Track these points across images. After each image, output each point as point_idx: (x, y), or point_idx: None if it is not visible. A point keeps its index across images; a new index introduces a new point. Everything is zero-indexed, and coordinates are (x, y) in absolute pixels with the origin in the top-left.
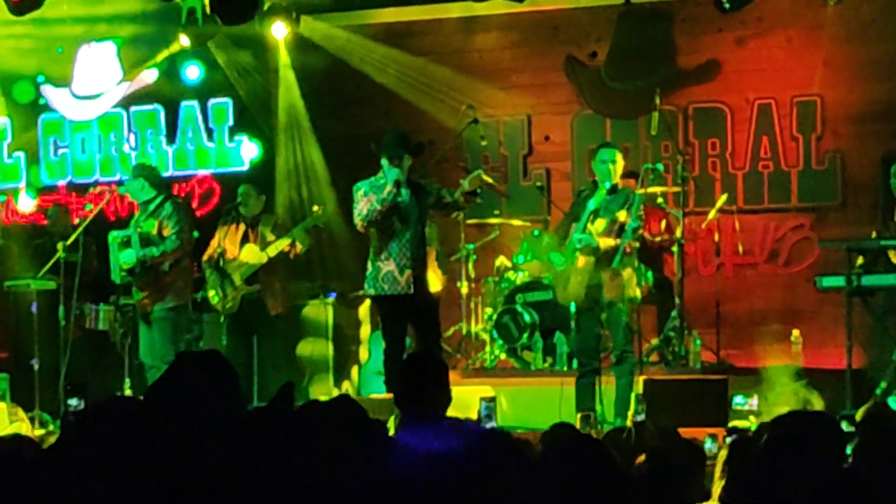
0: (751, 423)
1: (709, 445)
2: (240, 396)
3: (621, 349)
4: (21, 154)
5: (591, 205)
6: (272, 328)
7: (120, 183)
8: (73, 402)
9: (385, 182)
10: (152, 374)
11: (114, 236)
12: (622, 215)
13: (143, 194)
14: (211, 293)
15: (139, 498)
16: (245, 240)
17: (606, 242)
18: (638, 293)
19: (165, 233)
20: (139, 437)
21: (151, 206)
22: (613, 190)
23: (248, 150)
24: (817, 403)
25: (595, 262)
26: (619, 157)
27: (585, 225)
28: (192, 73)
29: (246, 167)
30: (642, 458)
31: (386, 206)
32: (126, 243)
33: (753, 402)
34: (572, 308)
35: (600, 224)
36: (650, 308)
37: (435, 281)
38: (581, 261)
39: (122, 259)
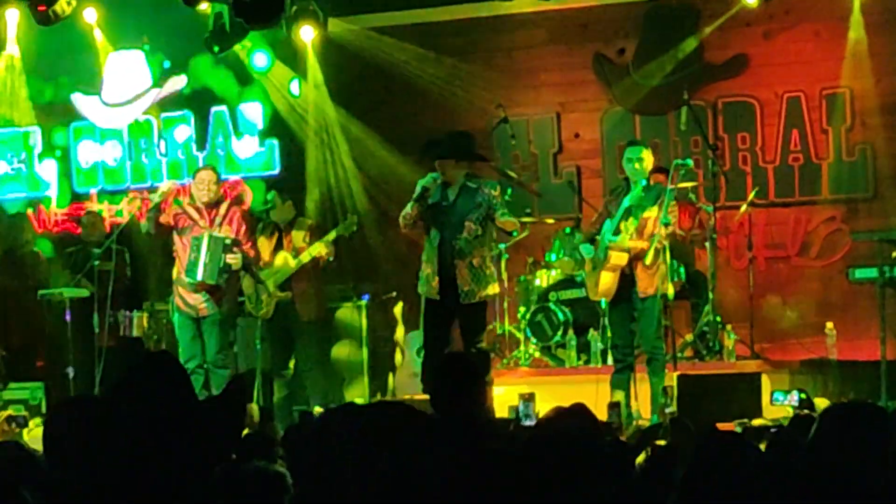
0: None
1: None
2: (192, 393)
3: (651, 345)
4: (53, 162)
5: (626, 202)
6: (307, 333)
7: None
8: None
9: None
10: (194, 378)
11: (215, 237)
12: (653, 212)
13: (219, 196)
14: (246, 299)
15: (112, 490)
16: (279, 246)
17: (637, 244)
18: (671, 289)
19: (241, 238)
20: (103, 432)
21: (223, 210)
22: (647, 188)
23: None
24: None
25: (627, 260)
26: (647, 154)
27: (618, 225)
28: (261, 60)
29: (277, 170)
30: (641, 457)
31: (415, 210)
32: (236, 245)
33: (793, 397)
34: (603, 304)
35: (631, 224)
36: (683, 303)
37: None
38: (613, 257)
39: (232, 260)
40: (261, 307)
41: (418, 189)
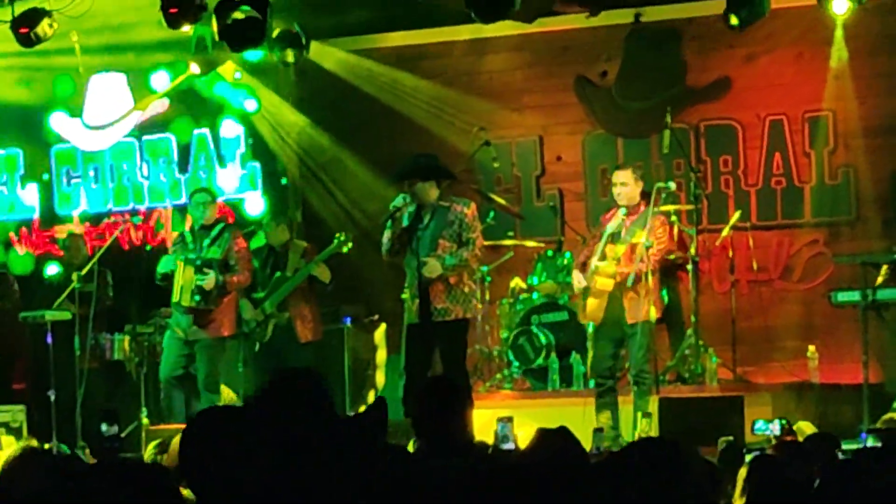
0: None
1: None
2: (333, 410)
3: (639, 368)
4: (34, 186)
5: (609, 228)
6: (304, 354)
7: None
8: (104, 427)
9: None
10: (167, 389)
11: (187, 259)
12: (640, 237)
13: (209, 219)
14: (244, 323)
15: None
16: (275, 268)
17: (624, 271)
18: (653, 312)
19: (230, 261)
20: (242, 444)
21: (214, 232)
22: (634, 212)
23: (255, 204)
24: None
25: (615, 285)
26: (629, 177)
27: (604, 249)
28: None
29: (258, 193)
30: None
31: (391, 234)
32: (208, 266)
33: (775, 427)
34: (590, 328)
35: (619, 249)
36: (665, 327)
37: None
38: (599, 282)
39: (203, 281)
40: (259, 330)
41: (388, 211)
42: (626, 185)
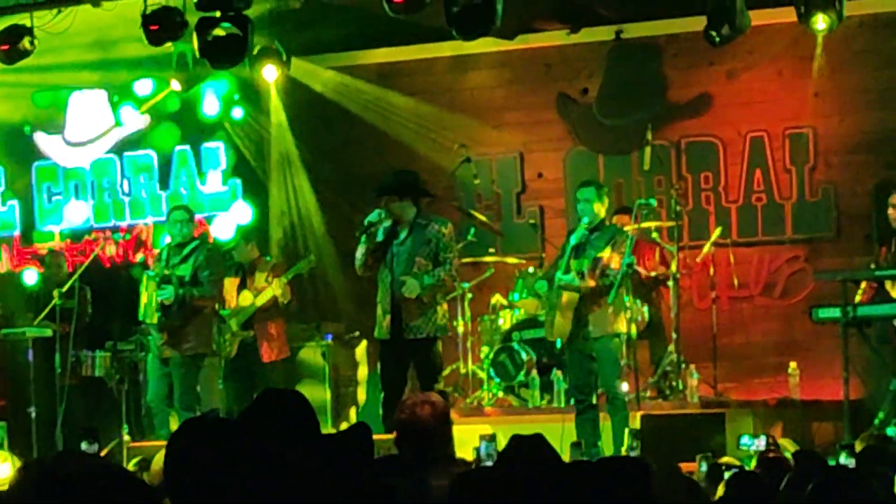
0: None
1: (703, 468)
2: (317, 429)
3: (607, 386)
4: (15, 202)
5: (573, 240)
6: (270, 373)
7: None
8: (84, 446)
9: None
10: (159, 418)
11: (149, 276)
12: (605, 253)
13: (185, 237)
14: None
15: None
16: (243, 286)
17: (587, 284)
18: (633, 329)
19: (200, 279)
20: (227, 457)
21: (186, 250)
22: (598, 227)
23: (243, 213)
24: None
25: (579, 300)
26: (594, 194)
27: (568, 263)
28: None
29: (239, 210)
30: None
31: (364, 249)
32: (166, 281)
33: (761, 442)
34: (558, 344)
35: (583, 263)
36: (646, 343)
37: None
38: (565, 297)
39: (162, 296)
40: (225, 347)
41: (363, 226)
42: (588, 201)
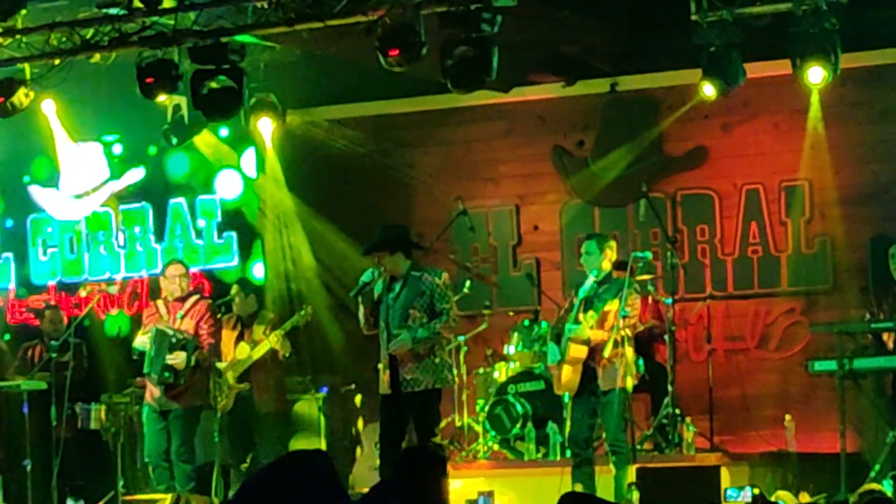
0: None
1: None
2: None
3: (614, 437)
4: (9, 255)
5: (581, 294)
6: (266, 425)
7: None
8: (70, 502)
9: None
10: (158, 473)
11: (159, 331)
12: (614, 305)
13: (183, 291)
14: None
15: None
16: (240, 338)
17: (597, 335)
18: (630, 381)
19: (201, 332)
20: None
21: (188, 304)
22: (606, 280)
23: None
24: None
25: (588, 353)
26: (595, 247)
27: (577, 315)
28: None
29: (235, 262)
30: None
31: (364, 308)
32: (180, 346)
33: (746, 494)
34: (566, 398)
35: (591, 317)
36: (642, 396)
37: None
38: (574, 350)
39: (173, 361)
40: (220, 399)
41: (356, 287)
42: (589, 254)
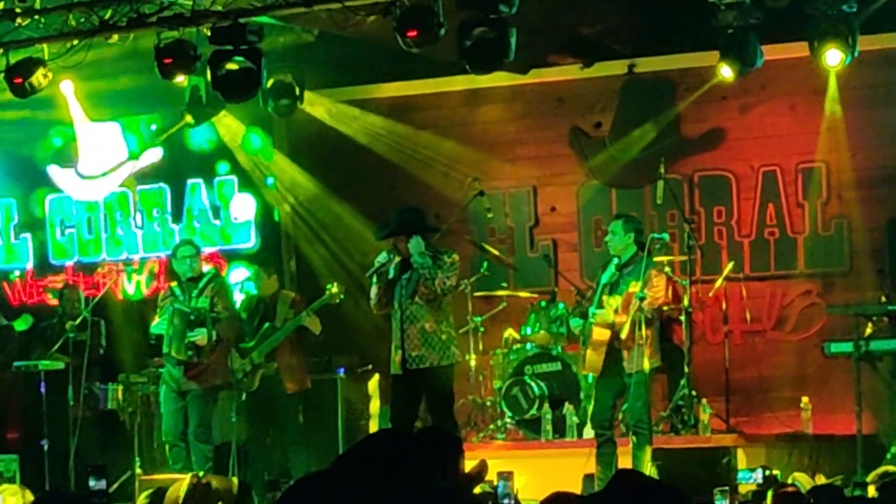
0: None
1: (719, 501)
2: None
3: (637, 419)
4: (28, 235)
5: (604, 279)
6: (291, 405)
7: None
8: (92, 483)
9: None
10: (174, 453)
11: (176, 308)
12: (636, 287)
13: (196, 271)
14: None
15: None
16: (263, 319)
17: (621, 319)
18: (647, 363)
19: (219, 310)
20: None
21: (202, 283)
22: (629, 262)
23: (246, 206)
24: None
25: (612, 335)
26: (618, 227)
27: (600, 299)
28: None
29: (251, 243)
30: None
31: (378, 288)
32: (199, 323)
33: (758, 474)
34: (589, 379)
35: (615, 300)
36: (659, 377)
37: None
38: (597, 333)
39: (194, 336)
40: (246, 380)
41: (372, 268)
42: (614, 233)
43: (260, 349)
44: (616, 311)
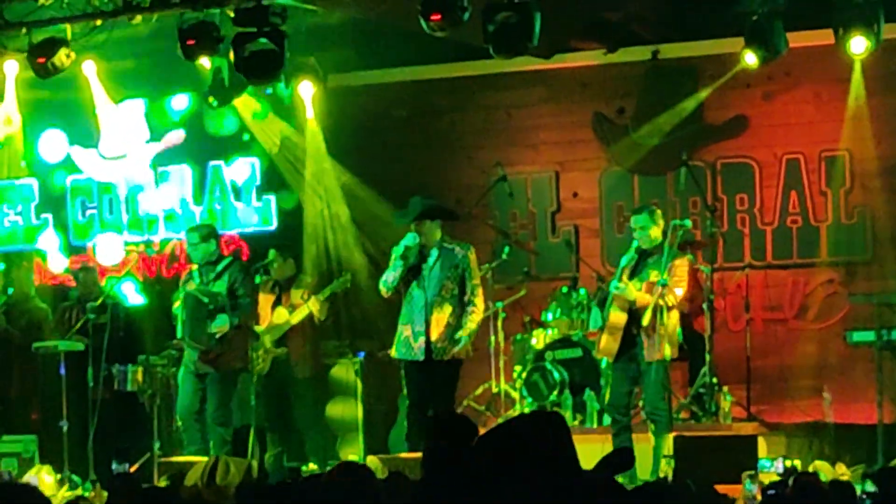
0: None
1: (749, 486)
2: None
3: (653, 406)
4: (49, 215)
5: (623, 262)
6: (302, 390)
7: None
8: (115, 465)
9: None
10: (189, 434)
11: (188, 293)
12: (656, 275)
13: (210, 255)
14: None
15: None
16: (278, 302)
17: (643, 298)
18: (668, 350)
19: (239, 294)
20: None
21: (220, 267)
22: (651, 252)
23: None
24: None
25: (629, 320)
26: (648, 220)
27: (621, 276)
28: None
29: (273, 226)
30: None
31: (398, 272)
32: (218, 310)
33: (779, 464)
34: (603, 363)
35: (636, 285)
36: (680, 365)
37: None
38: (614, 316)
39: (216, 325)
40: (257, 363)
41: (400, 249)
42: (644, 228)
43: (271, 334)
44: (639, 290)
